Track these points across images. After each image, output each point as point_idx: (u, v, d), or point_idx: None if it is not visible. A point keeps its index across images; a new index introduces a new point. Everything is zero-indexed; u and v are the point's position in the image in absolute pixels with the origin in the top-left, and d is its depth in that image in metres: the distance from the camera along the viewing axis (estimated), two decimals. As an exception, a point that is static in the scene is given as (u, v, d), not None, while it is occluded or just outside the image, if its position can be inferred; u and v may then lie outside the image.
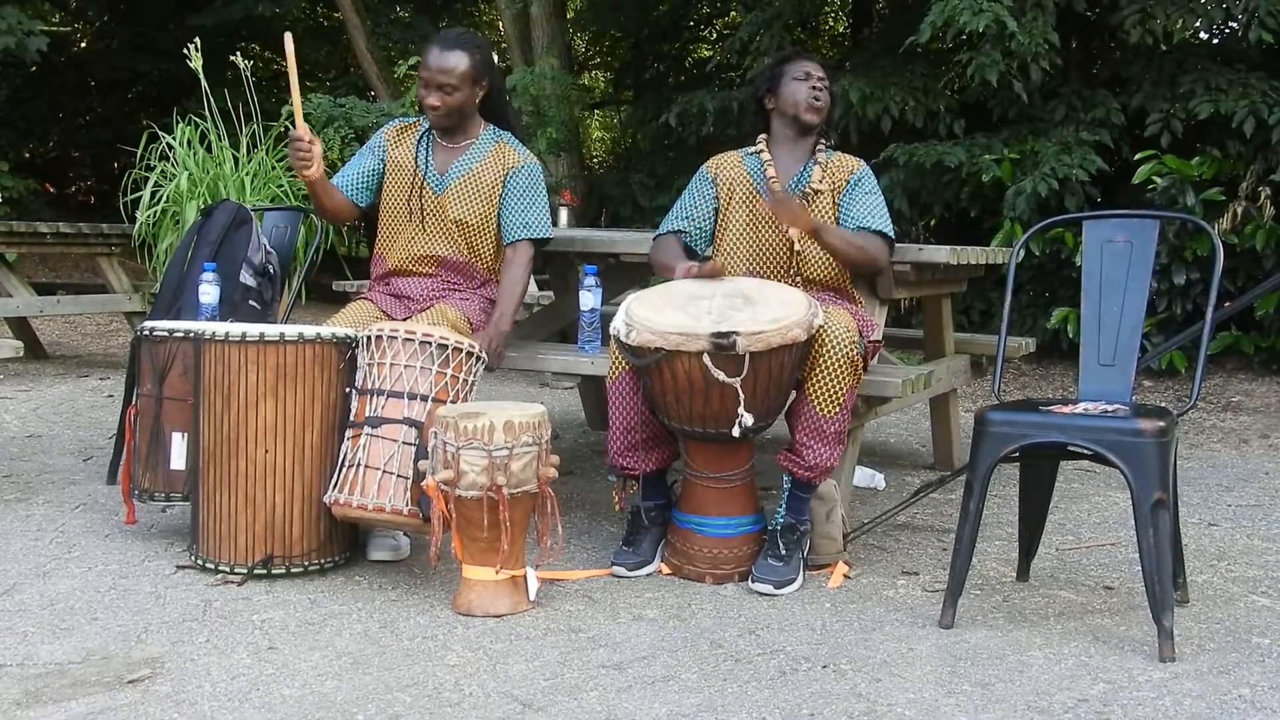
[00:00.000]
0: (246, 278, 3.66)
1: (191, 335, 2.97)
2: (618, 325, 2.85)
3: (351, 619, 2.57)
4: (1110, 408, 2.56)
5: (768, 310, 2.78)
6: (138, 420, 3.07)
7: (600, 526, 3.36)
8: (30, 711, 2.06)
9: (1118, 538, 3.32)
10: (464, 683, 2.23)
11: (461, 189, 3.38)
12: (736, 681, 2.25)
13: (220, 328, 2.86)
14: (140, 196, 5.88)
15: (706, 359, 2.68)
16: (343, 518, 2.81)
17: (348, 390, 2.86)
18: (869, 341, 3.06)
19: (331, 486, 2.79)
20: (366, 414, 2.78)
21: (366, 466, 2.74)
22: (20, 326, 6.28)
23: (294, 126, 3.08)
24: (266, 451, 2.78)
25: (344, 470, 2.78)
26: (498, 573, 2.60)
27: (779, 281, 3.09)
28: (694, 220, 3.30)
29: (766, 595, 2.77)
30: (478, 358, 2.89)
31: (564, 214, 6.24)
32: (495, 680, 2.24)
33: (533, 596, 2.66)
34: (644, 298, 2.93)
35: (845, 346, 2.81)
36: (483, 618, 2.58)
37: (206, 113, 5.90)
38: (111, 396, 5.23)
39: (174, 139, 5.91)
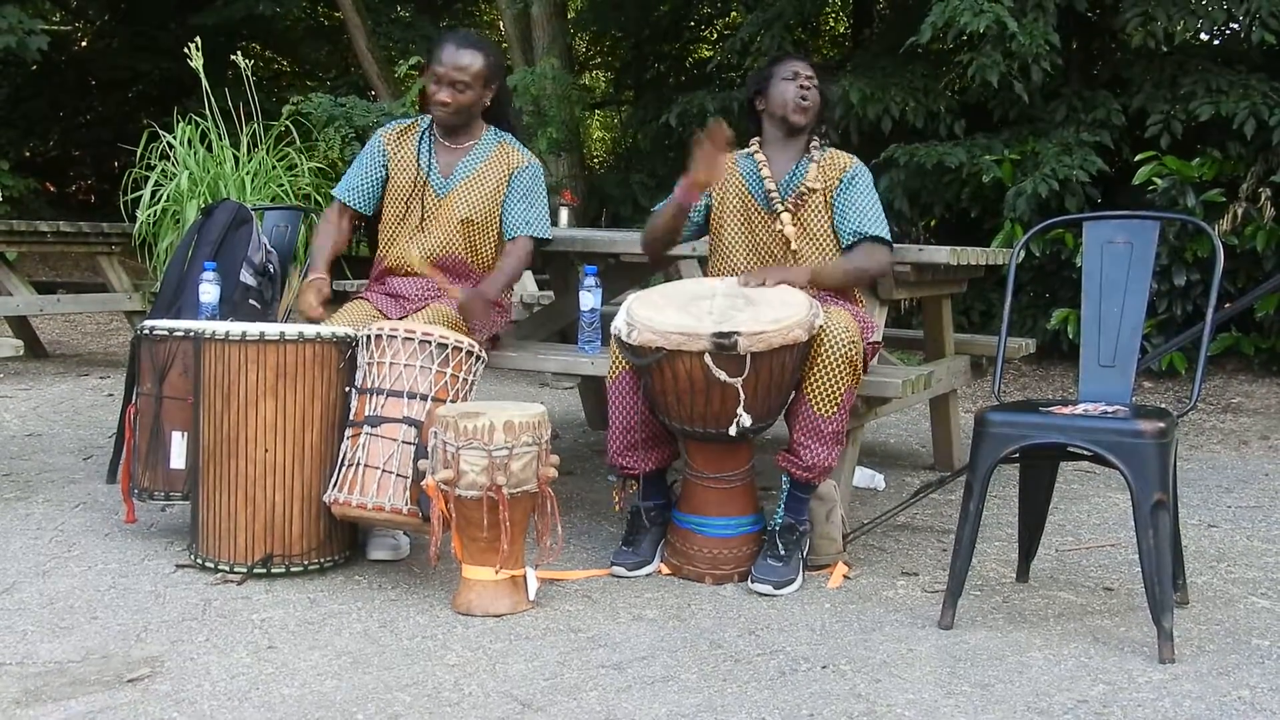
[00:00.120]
0: (247, 277, 3.66)
1: (191, 334, 2.97)
2: (619, 325, 2.85)
3: (351, 618, 2.56)
4: (1110, 409, 2.56)
5: (769, 310, 2.78)
6: (138, 419, 3.06)
7: (600, 526, 3.36)
8: (30, 710, 2.06)
9: (1117, 539, 3.32)
10: (464, 682, 2.23)
11: (468, 188, 3.39)
12: (736, 682, 2.25)
13: (220, 327, 2.86)
14: (140, 196, 5.87)
15: (708, 359, 2.68)
16: (342, 517, 2.80)
17: (347, 389, 2.86)
18: (869, 343, 3.05)
19: (331, 486, 2.79)
20: (366, 413, 2.77)
21: (366, 466, 2.74)
22: (20, 325, 6.29)
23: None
24: (266, 451, 2.78)
25: (344, 469, 2.78)
26: (497, 572, 2.60)
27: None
28: None
29: (766, 595, 2.77)
30: (478, 357, 2.89)
31: (564, 214, 6.23)
32: (495, 680, 2.24)
33: (532, 596, 2.66)
34: (645, 297, 2.93)
35: (844, 346, 2.81)
36: (482, 617, 2.58)
37: (207, 112, 5.89)
38: (111, 395, 5.23)
39: (174, 138, 5.90)
